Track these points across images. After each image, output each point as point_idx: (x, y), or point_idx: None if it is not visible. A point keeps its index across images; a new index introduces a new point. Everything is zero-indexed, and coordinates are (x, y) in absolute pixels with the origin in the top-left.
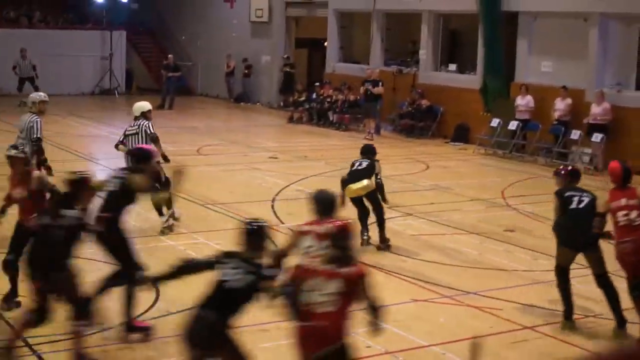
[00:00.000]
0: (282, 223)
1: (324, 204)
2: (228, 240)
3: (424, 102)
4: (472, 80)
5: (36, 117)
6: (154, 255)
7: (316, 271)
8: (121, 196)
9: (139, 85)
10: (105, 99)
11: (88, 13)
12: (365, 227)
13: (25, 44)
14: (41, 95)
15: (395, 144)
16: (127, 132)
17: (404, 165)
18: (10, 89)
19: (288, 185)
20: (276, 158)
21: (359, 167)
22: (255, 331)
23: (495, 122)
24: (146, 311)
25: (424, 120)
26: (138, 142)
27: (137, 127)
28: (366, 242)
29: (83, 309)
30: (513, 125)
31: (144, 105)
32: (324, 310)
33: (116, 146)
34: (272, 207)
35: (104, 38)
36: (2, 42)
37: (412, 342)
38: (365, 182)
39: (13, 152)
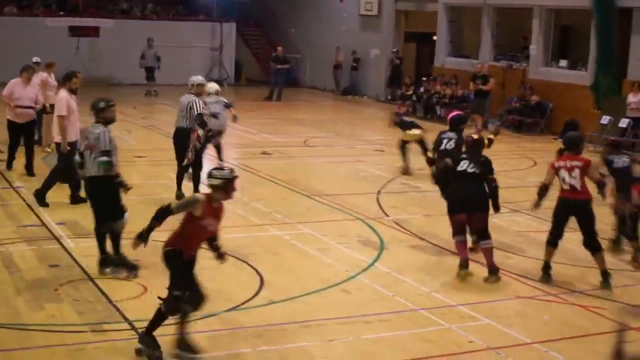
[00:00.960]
0: (387, 216)
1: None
2: (333, 231)
3: (534, 98)
4: (583, 77)
5: (194, 97)
6: (258, 244)
7: None
8: None
9: (247, 76)
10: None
11: (198, 5)
12: None
13: (137, 35)
14: (199, 78)
15: (504, 140)
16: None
17: (512, 161)
18: (121, 79)
19: (393, 179)
20: (382, 151)
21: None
22: (358, 322)
23: (605, 119)
24: (251, 299)
25: (532, 117)
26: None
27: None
28: None
29: None
30: (624, 123)
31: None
32: None
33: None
34: (377, 199)
35: (214, 30)
36: (115, 34)
37: (515, 339)
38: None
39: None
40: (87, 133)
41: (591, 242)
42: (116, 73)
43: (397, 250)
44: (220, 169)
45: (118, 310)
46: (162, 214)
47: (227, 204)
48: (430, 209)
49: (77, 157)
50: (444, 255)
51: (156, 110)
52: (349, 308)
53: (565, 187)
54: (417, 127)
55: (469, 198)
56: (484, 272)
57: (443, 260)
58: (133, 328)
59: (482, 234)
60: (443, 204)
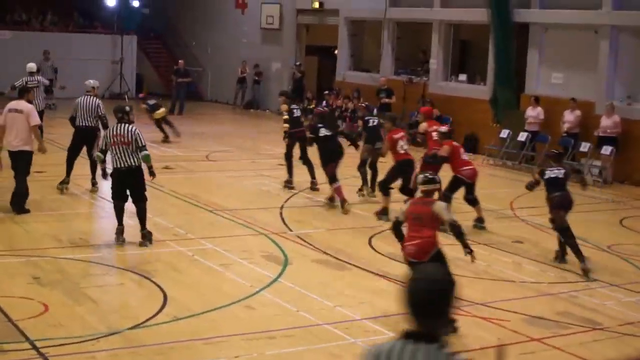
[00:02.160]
0: (291, 230)
1: None
2: (236, 246)
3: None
4: (482, 91)
5: (97, 99)
6: (160, 260)
7: None
8: None
9: (149, 89)
10: (115, 103)
11: (99, 17)
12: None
13: (36, 47)
14: (96, 82)
15: None
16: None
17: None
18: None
19: (297, 193)
20: (284, 165)
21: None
22: (262, 338)
23: (504, 133)
24: (154, 316)
25: None
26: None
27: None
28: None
29: None
30: (522, 136)
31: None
32: None
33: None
34: (281, 214)
35: (115, 42)
36: (11, 45)
37: None
38: None
39: None
40: (117, 131)
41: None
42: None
43: (301, 265)
44: None
45: (18, 329)
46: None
47: (127, 220)
48: (333, 223)
49: (99, 153)
50: (347, 270)
51: (55, 124)
52: (253, 324)
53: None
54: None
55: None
56: (383, 283)
57: (346, 275)
58: (34, 347)
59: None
60: (346, 218)
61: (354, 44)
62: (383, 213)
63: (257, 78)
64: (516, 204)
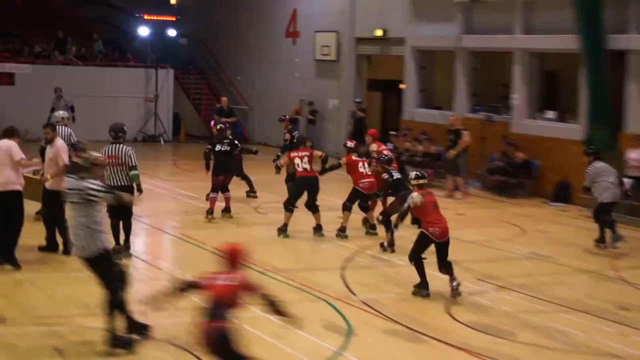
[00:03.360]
0: (354, 295)
1: None
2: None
3: (519, 155)
4: (574, 130)
5: (62, 126)
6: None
7: None
8: None
9: (187, 131)
10: (148, 147)
11: (131, 49)
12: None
13: (58, 82)
14: (64, 113)
15: (485, 204)
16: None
17: (496, 229)
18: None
19: (360, 251)
20: None
21: None
22: None
23: None
24: None
25: (518, 177)
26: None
27: None
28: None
29: None
30: (628, 183)
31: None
32: None
33: None
34: (342, 276)
35: (149, 77)
36: (31, 80)
37: None
38: None
39: None
40: (112, 152)
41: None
42: (34, 128)
43: (367, 336)
44: None
45: None
46: None
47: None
48: (404, 286)
49: None
50: (422, 342)
51: None
52: None
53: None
54: None
55: None
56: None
57: (421, 348)
58: None
59: None
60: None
61: (423, 78)
62: (283, 229)
63: (311, 117)
64: (619, 263)
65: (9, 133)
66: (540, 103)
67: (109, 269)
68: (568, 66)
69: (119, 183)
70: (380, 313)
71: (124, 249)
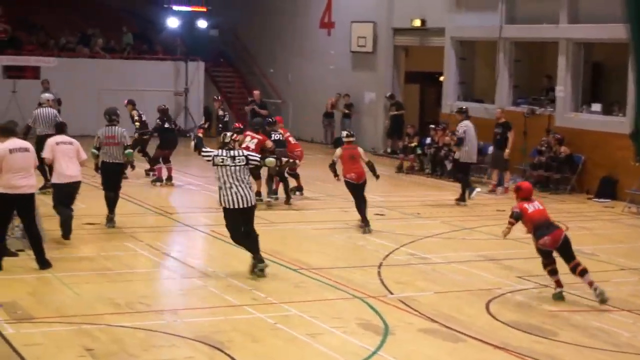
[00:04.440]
0: (391, 293)
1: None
2: (326, 312)
3: (562, 150)
4: (621, 123)
5: (47, 108)
6: (237, 329)
7: None
8: None
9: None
10: (179, 142)
11: (159, 41)
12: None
13: (84, 76)
14: (50, 95)
15: None
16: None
17: None
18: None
19: (397, 248)
20: (382, 215)
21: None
22: None
23: None
24: None
25: (561, 172)
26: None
27: None
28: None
29: None
30: None
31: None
32: None
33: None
34: (379, 273)
35: (179, 70)
36: (57, 74)
37: None
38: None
39: None
40: (109, 132)
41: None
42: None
43: (404, 335)
44: None
45: None
46: None
47: (196, 281)
48: (442, 284)
49: (94, 150)
50: (461, 341)
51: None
52: None
53: None
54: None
55: None
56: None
57: (460, 347)
58: None
59: None
60: (457, 278)
61: (463, 69)
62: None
63: (347, 111)
64: None
65: (64, 128)
66: (586, 95)
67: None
68: (615, 57)
69: (115, 160)
70: (418, 311)
71: (110, 219)
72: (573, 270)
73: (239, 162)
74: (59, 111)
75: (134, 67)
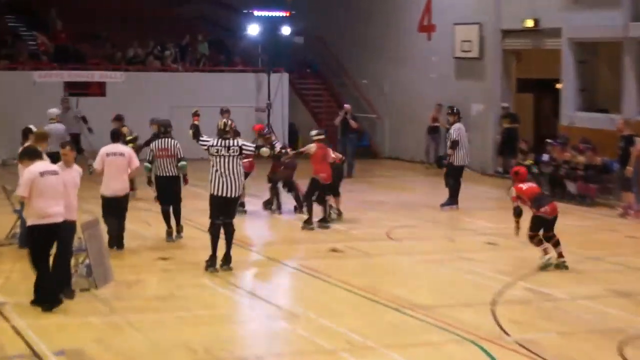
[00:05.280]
0: (508, 335)
1: None
2: (433, 357)
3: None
4: None
5: (56, 123)
6: None
7: None
8: None
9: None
10: (261, 164)
11: (238, 50)
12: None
13: (155, 92)
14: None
15: None
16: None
17: None
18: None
19: (513, 283)
20: (495, 244)
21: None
22: None
23: None
24: None
25: None
26: None
27: None
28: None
29: None
30: None
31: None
32: None
33: None
34: (493, 312)
35: (260, 83)
36: (124, 90)
37: None
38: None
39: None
40: (162, 145)
41: None
42: None
43: None
44: None
45: None
46: None
47: (283, 323)
48: (567, 324)
49: (148, 164)
50: None
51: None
52: None
53: None
54: None
55: None
56: None
57: None
58: None
59: None
60: (584, 317)
61: (583, 75)
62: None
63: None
64: None
65: (118, 136)
66: None
67: None
68: None
69: (168, 173)
70: (539, 356)
71: (176, 232)
72: (549, 239)
73: (233, 152)
74: (90, 129)
75: (210, 80)
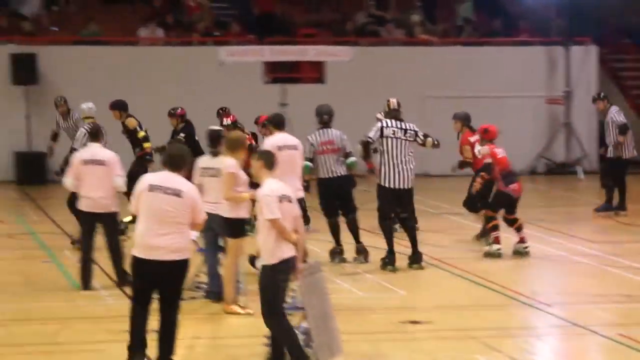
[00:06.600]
0: None
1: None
2: None
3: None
4: None
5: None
6: None
7: None
8: None
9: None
10: (554, 183)
11: (520, 13)
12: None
13: (396, 75)
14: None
15: None
16: None
17: None
18: None
19: None
20: None
21: None
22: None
23: None
24: None
25: None
26: None
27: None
28: None
29: None
30: None
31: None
32: None
33: None
34: None
35: (554, 61)
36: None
37: None
38: None
39: None
40: (325, 137)
41: None
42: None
43: None
44: None
45: None
46: None
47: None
48: None
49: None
50: None
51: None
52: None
53: None
54: None
55: None
56: None
57: None
58: None
59: None
60: None
61: None
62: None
63: None
64: None
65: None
66: None
67: None
68: None
69: (336, 174)
70: None
71: (361, 250)
72: (512, 222)
73: (409, 136)
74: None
75: (476, 57)
